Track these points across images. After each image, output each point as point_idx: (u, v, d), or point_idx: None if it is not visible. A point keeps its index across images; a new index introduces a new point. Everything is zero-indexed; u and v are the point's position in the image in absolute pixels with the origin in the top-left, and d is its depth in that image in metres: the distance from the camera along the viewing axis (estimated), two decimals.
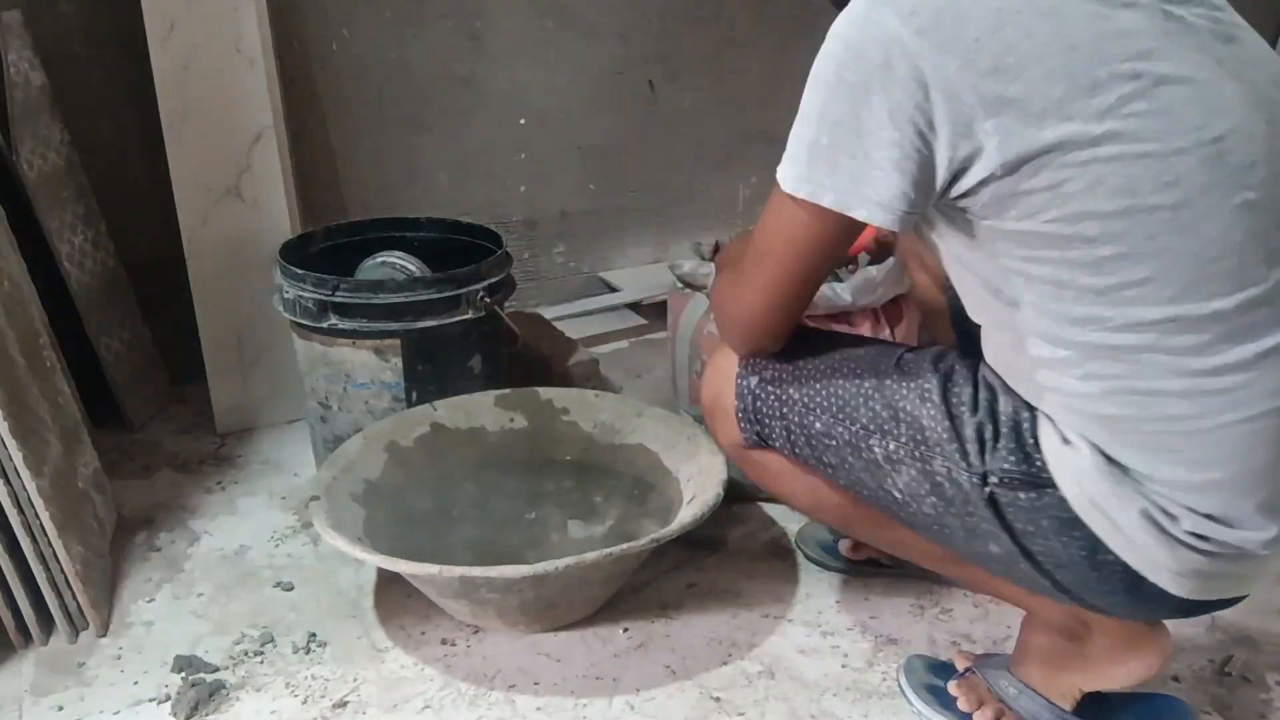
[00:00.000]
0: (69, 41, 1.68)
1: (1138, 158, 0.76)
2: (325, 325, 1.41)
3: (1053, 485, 0.85)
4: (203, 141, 1.60)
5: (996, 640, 1.22)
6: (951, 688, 1.08)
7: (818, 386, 0.98)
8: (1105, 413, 0.83)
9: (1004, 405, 0.89)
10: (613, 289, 2.19)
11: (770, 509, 1.48)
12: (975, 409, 0.89)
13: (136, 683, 1.16)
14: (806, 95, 0.85)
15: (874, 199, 0.81)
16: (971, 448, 0.88)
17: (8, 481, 1.14)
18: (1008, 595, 1.03)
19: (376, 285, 1.41)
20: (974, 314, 0.92)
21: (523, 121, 2.05)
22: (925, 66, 0.77)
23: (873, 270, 1.35)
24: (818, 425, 0.97)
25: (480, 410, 1.45)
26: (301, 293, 1.41)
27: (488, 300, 1.44)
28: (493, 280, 1.47)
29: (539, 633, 1.23)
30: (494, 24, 1.97)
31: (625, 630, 1.24)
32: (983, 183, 0.79)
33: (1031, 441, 0.87)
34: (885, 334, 1.41)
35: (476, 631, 1.24)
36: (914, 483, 0.92)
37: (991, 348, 0.92)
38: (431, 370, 1.45)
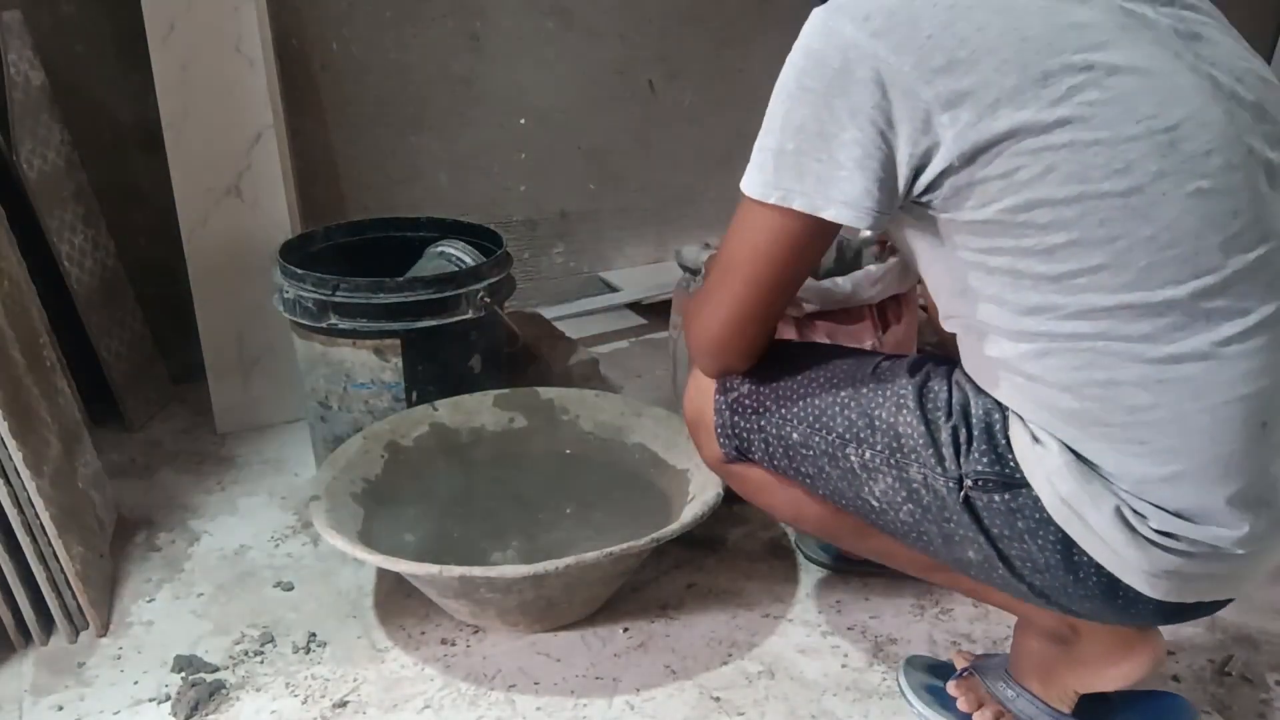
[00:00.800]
0: (69, 41, 1.68)
1: (1089, 145, 0.77)
2: (325, 325, 1.41)
3: (1026, 485, 0.86)
4: (203, 141, 1.61)
5: (996, 640, 1.22)
6: (950, 688, 1.08)
7: (794, 398, 0.97)
8: (1068, 407, 0.83)
9: (976, 408, 0.89)
10: (613, 289, 2.19)
11: None
12: (950, 413, 0.90)
13: (136, 682, 1.16)
14: (771, 105, 0.87)
15: (840, 199, 0.83)
16: (947, 452, 0.88)
17: (8, 481, 1.14)
18: (996, 601, 1.03)
19: (376, 285, 1.41)
20: (945, 321, 0.93)
21: (523, 121, 2.05)
22: (882, 67, 0.79)
23: (873, 267, 1.35)
24: (795, 436, 0.97)
25: (480, 410, 1.46)
26: (301, 292, 1.41)
27: (488, 300, 1.44)
28: (493, 280, 1.47)
29: (539, 632, 1.23)
30: (494, 24, 1.97)
31: (625, 630, 1.24)
32: (942, 174, 0.81)
33: (1004, 442, 0.87)
34: (877, 336, 1.41)
35: (476, 631, 1.24)
36: (890, 490, 0.92)
37: (964, 352, 0.92)
38: (431, 370, 1.45)
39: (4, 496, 1.14)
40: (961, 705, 1.06)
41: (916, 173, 0.82)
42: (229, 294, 1.66)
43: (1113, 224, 0.78)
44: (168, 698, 1.14)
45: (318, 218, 1.83)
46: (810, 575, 1.34)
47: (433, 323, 1.42)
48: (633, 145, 2.17)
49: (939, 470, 0.88)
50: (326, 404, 1.48)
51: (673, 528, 1.16)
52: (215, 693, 1.14)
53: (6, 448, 1.13)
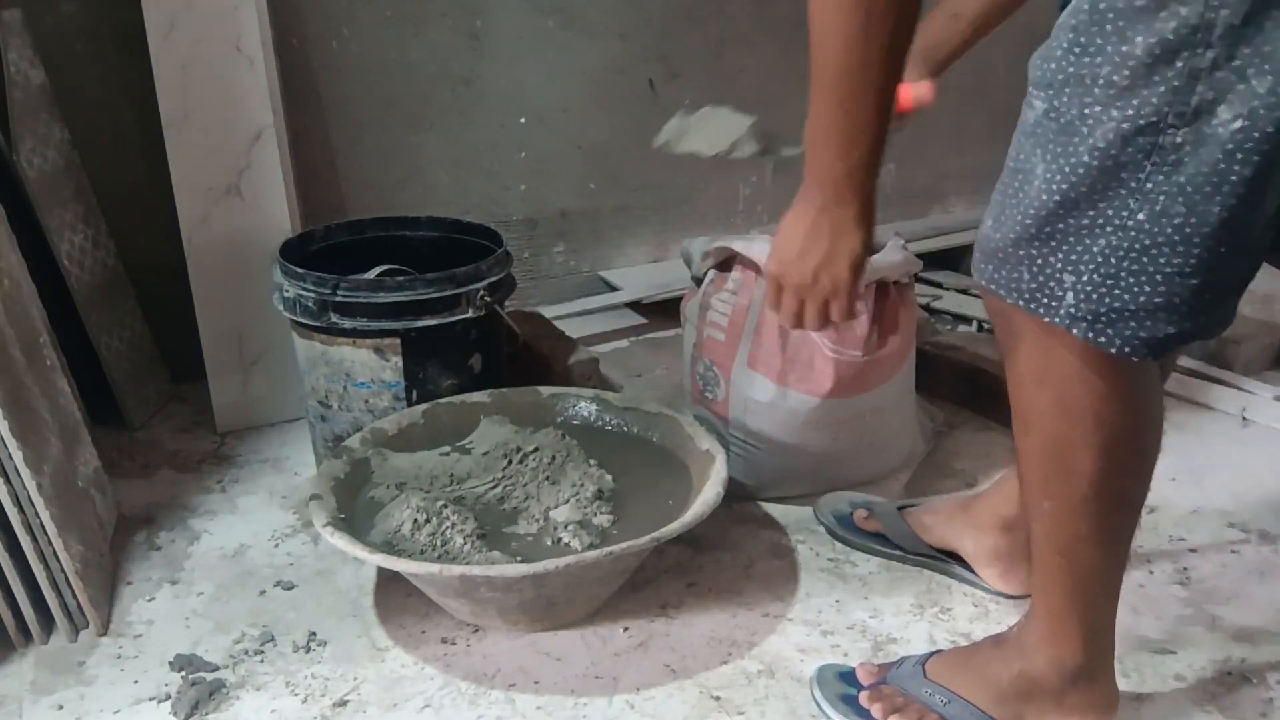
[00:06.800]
0: (69, 40, 1.68)
1: None
2: (325, 324, 1.41)
3: None
4: (203, 140, 1.61)
5: None
6: (863, 699, 1.07)
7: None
8: None
9: None
10: (613, 288, 2.19)
11: (770, 508, 1.48)
12: None
13: (137, 681, 1.17)
14: None
15: None
16: None
17: (8, 481, 1.14)
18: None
19: (376, 284, 1.41)
20: None
21: (523, 120, 2.05)
22: None
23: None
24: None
25: (479, 408, 1.46)
26: (301, 291, 1.41)
27: (488, 299, 1.44)
28: (493, 279, 1.47)
29: (539, 632, 1.23)
30: (494, 23, 1.97)
31: (625, 629, 1.24)
32: None
33: None
34: (874, 330, 1.42)
35: (476, 630, 1.24)
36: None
37: None
38: (431, 369, 1.46)
39: (4, 496, 1.14)
40: (877, 713, 1.06)
41: None
42: (229, 293, 1.66)
43: None
44: (168, 697, 1.14)
45: (318, 217, 1.83)
46: (810, 575, 1.34)
47: (433, 322, 1.42)
48: (633, 144, 2.17)
49: None
50: (326, 403, 1.48)
51: (672, 527, 1.16)
52: (215, 692, 1.14)
53: (6, 447, 1.12)
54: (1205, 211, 0.74)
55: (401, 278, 1.44)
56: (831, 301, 0.96)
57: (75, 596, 1.21)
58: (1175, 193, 0.74)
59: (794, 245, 0.95)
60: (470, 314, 1.44)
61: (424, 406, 1.43)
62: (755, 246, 1.42)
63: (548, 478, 1.33)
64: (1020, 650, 1.03)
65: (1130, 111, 0.74)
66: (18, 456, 1.13)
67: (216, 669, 1.18)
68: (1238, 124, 0.71)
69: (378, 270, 1.50)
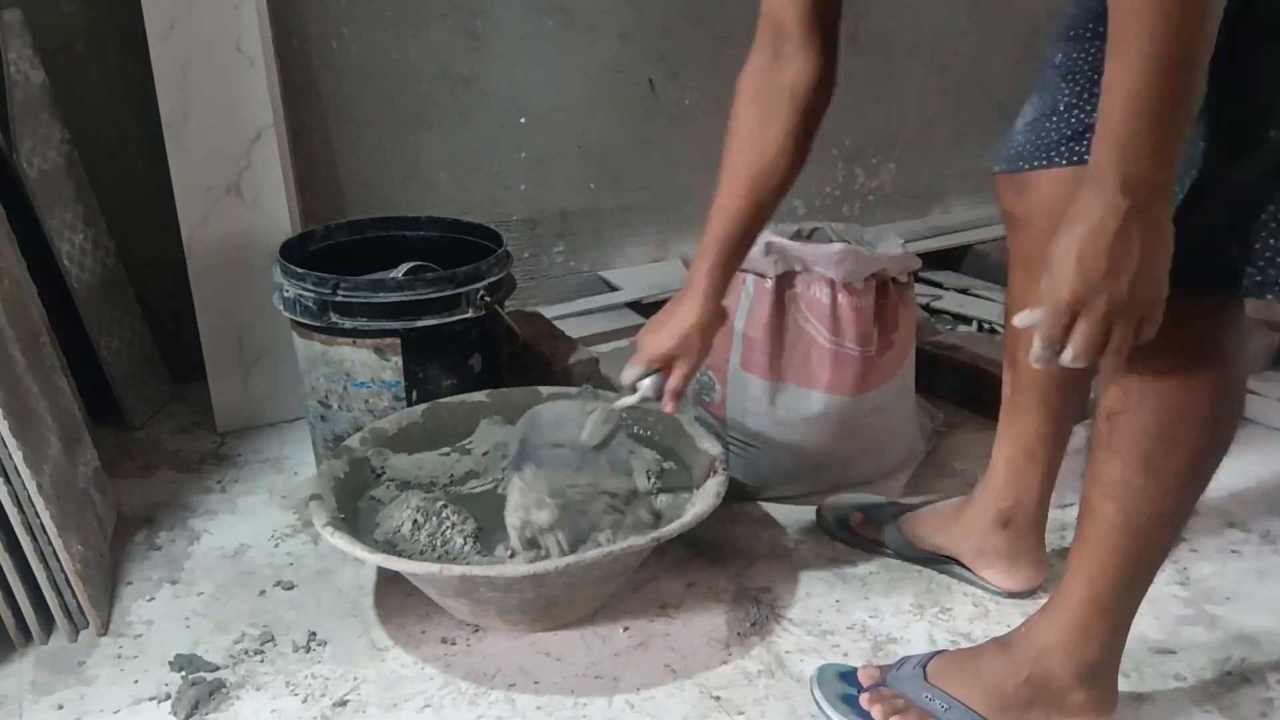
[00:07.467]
0: (69, 40, 1.68)
1: None
2: (325, 324, 1.41)
3: None
4: (203, 140, 1.61)
5: None
6: (863, 700, 1.07)
7: None
8: None
9: None
10: (613, 288, 2.19)
11: (770, 508, 1.48)
12: None
13: (137, 681, 1.17)
14: None
15: None
16: None
17: (8, 481, 1.14)
18: None
19: (376, 284, 1.41)
20: None
21: (523, 120, 2.05)
22: None
23: (833, 247, 1.41)
24: None
25: (479, 408, 1.46)
26: (301, 291, 1.41)
27: (488, 299, 1.45)
28: (493, 279, 1.47)
29: (539, 631, 1.23)
30: (494, 23, 1.97)
31: (625, 629, 1.24)
32: None
33: None
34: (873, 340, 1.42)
35: (476, 630, 1.24)
36: None
37: None
38: (431, 369, 1.46)
39: (4, 496, 1.14)
40: (877, 715, 1.06)
41: None
42: (229, 293, 1.67)
43: None
44: (168, 696, 1.14)
45: (318, 217, 1.83)
46: (810, 575, 1.34)
47: (433, 322, 1.42)
48: (633, 144, 2.17)
49: None
50: (326, 403, 1.48)
51: (672, 527, 1.16)
52: (215, 692, 1.14)
53: (6, 447, 1.13)
54: None
55: (402, 278, 1.44)
56: (1147, 320, 0.81)
57: (75, 596, 1.22)
58: None
59: (1098, 262, 0.78)
60: (470, 314, 1.44)
61: (424, 406, 1.43)
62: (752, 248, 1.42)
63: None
64: (1029, 652, 1.02)
65: None
66: (18, 456, 1.13)
67: (216, 669, 1.18)
68: None
69: (405, 268, 1.50)
